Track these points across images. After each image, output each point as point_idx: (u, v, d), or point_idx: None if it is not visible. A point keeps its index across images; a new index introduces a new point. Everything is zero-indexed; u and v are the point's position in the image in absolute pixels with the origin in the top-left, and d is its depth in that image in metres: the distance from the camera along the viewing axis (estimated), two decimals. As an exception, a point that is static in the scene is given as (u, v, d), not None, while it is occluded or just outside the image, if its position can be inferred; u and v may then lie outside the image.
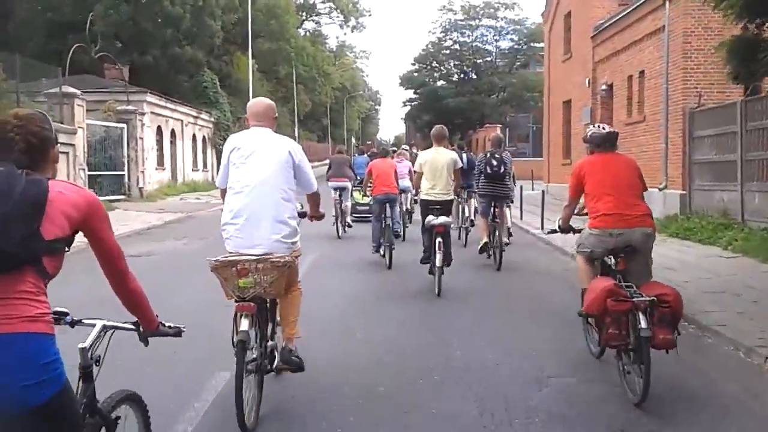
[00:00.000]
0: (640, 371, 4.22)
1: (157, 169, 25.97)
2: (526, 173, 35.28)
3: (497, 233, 9.74)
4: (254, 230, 4.05)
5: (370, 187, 10.73)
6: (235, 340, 3.82)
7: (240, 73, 39.93)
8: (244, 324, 3.82)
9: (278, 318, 4.42)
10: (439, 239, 7.72)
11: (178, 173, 28.46)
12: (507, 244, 10.12)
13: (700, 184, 13.69)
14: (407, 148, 22.29)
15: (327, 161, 17.17)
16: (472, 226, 11.97)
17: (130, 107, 23.62)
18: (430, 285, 7.98)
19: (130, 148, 23.42)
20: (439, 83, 52.45)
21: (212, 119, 33.29)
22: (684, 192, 14.18)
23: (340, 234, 13.13)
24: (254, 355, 3.98)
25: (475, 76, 51.02)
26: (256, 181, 4.09)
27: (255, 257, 3.93)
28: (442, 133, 8.52)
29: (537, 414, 4.17)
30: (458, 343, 5.83)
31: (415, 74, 52.66)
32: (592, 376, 4.96)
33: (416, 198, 9.93)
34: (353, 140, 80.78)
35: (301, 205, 4.54)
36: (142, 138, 23.93)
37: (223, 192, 4.38)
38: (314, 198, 4.64)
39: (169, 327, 2.65)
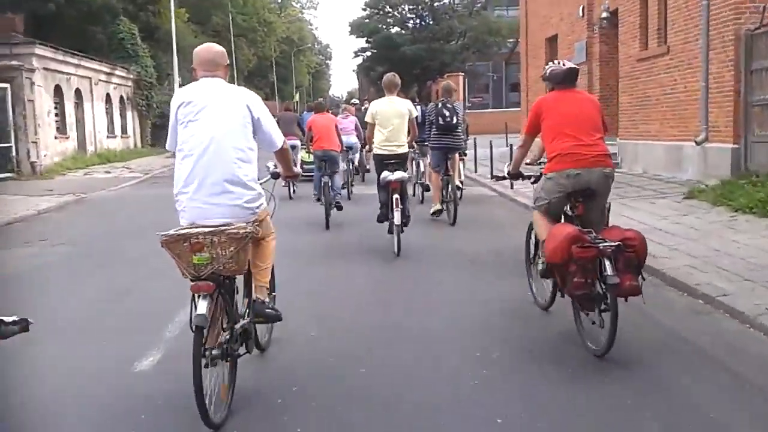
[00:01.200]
0: (602, 321, 4.12)
1: (57, 138, 21.31)
2: (493, 126, 31.61)
3: (450, 187, 9.35)
4: (208, 197, 3.57)
5: (310, 143, 10.46)
6: (192, 323, 3.29)
7: (169, 25, 34.80)
8: (202, 306, 3.30)
9: (253, 288, 3.97)
10: (395, 196, 7.39)
11: (87, 142, 23.75)
12: (460, 189, 9.92)
13: (762, 134, 9.99)
14: (357, 102, 20.09)
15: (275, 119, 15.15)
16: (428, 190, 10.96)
17: (14, 62, 18.84)
18: (388, 244, 7.57)
19: (17, 114, 18.74)
20: (394, 30, 47.76)
21: (131, 76, 28.38)
22: (736, 146, 10.46)
23: (291, 194, 12.67)
24: (221, 340, 3.48)
25: (431, 21, 46.47)
26: (208, 141, 3.59)
27: (209, 229, 3.41)
28: (394, 81, 7.92)
29: (492, 367, 4.08)
30: (420, 297, 5.78)
31: (366, 21, 47.75)
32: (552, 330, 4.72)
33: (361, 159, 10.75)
34: (302, 97, 76.77)
35: (275, 165, 4.35)
36: (32, 101, 19.21)
37: (175, 155, 3.77)
38: (283, 155, 4.27)
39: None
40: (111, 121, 26.50)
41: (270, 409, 3.61)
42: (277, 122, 12.16)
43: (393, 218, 7.34)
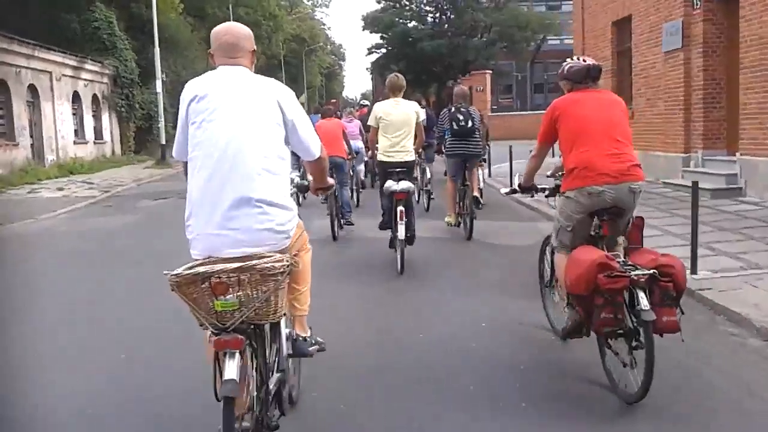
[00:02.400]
0: (633, 361, 3.52)
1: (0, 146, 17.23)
2: (519, 131, 27.25)
3: (466, 199, 8.60)
4: (227, 222, 2.81)
5: None
6: (218, 393, 2.55)
7: (162, 17, 30.84)
8: (231, 369, 2.56)
9: (283, 336, 3.20)
10: (400, 208, 6.83)
11: (46, 150, 19.68)
12: (478, 200, 9.23)
13: None
14: (367, 103, 18.02)
15: None
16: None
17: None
18: (390, 260, 7.10)
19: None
20: (411, 24, 43.44)
21: (107, 71, 24.32)
22: None
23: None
24: (250, 404, 2.77)
25: (453, 15, 42.17)
26: (228, 147, 2.84)
27: (235, 264, 2.62)
28: (398, 83, 7.33)
29: (513, 398, 3.71)
30: (422, 327, 5.08)
31: (381, 14, 43.49)
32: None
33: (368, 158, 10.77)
34: (312, 98, 73.24)
35: (301, 174, 3.89)
36: (-41, 99, 15.19)
37: (185, 165, 3.00)
38: (319, 166, 3.33)
39: None
40: (80, 125, 22.45)
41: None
42: None
43: (397, 233, 6.83)
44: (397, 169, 7.05)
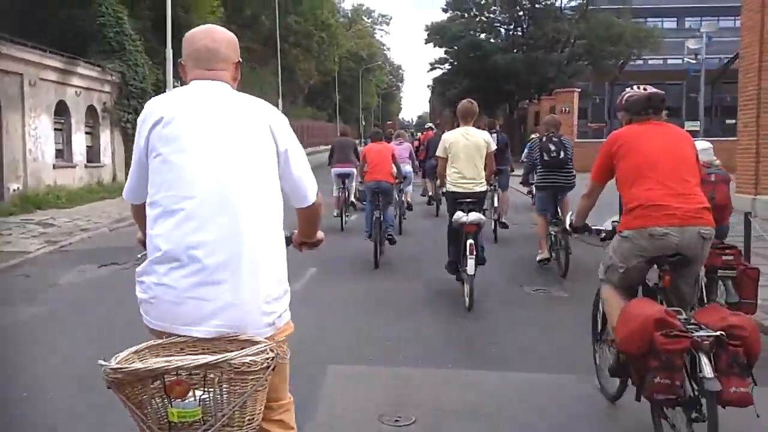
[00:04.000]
0: None
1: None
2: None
3: (558, 233, 8.08)
4: (197, 288, 2.16)
5: (364, 173, 9.86)
6: None
7: (196, 14, 26.40)
8: None
9: None
10: (470, 241, 6.58)
11: (7, 176, 14.87)
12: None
13: None
14: (431, 125, 18.71)
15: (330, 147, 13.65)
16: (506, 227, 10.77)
17: None
18: (457, 294, 6.91)
19: None
20: (482, 36, 37.96)
21: (110, 78, 19.66)
22: None
23: (343, 225, 11.87)
24: None
25: (531, 26, 36.53)
26: (207, 191, 2.20)
27: (200, 353, 2.11)
28: (472, 109, 7.13)
29: None
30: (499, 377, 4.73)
31: (448, 24, 38.19)
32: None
33: (435, 191, 11.57)
34: (365, 121, 69.46)
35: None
36: None
37: (137, 210, 2.44)
38: (311, 213, 2.63)
39: None
40: (66, 143, 17.70)
41: None
42: (331, 149, 12.77)
43: (466, 267, 6.49)
44: (468, 200, 6.83)
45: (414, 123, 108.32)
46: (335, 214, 11.94)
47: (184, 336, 2.15)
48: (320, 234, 2.79)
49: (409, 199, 13.04)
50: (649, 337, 3.13)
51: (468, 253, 6.49)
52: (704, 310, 3.40)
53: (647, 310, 3.26)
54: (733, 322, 3.14)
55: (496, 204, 10.73)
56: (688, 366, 3.15)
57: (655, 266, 3.66)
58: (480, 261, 6.74)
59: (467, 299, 6.54)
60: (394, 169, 9.70)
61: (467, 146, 6.89)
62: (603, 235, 4.06)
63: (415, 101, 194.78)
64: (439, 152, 7.16)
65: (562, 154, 8.11)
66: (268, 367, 2.03)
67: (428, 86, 55.83)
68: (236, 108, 2.34)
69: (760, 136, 11.91)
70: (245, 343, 2.10)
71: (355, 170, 12.00)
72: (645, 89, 3.84)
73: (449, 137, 7.08)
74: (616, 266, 3.69)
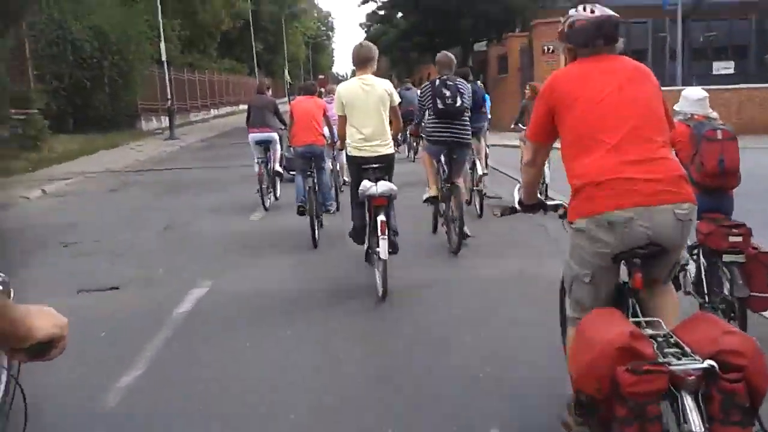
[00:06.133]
0: None
1: None
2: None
3: (453, 200, 7.04)
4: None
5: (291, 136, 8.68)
6: None
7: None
8: None
9: None
10: (380, 218, 5.55)
11: None
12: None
13: None
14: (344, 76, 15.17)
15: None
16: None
17: None
18: (369, 279, 5.98)
19: None
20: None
21: None
22: None
23: (267, 204, 10.04)
24: None
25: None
26: None
27: None
28: (362, 52, 6.02)
29: None
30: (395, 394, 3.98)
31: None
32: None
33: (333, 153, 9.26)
34: (293, 76, 62.99)
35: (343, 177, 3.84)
36: None
37: None
38: None
39: None
40: None
41: None
42: (248, 111, 10.28)
43: (378, 249, 5.48)
44: (374, 165, 5.85)
45: (349, 77, 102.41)
46: (255, 191, 10.07)
47: None
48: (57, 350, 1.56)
49: (345, 177, 10.39)
50: (611, 374, 2.20)
51: (380, 233, 5.48)
52: (690, 322, 2.44)
53: (607, 331, 2.32)
54: (729, 346, 2.20)
55: (480, 171, 8.97)
56: (671, 409, 2.24)
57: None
58: (393, 247, 5.75)
59: (380, 286, 5.49)
60: (326, 131, 8.40)
61: (366, 100, 5.88)
62: (561, 211, 3.21)
63: (348, 52, 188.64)
64: (336, 109, 6.12)
65: (458, 102, 7.00)
66: None
67: (360, 25, 48.13)
68: None
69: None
70: None
71: (276, 135, 10.34)
72: (592, 11, 2.88)
73: (344, 90, 6.03)
74: (579, 277, 2.78)
